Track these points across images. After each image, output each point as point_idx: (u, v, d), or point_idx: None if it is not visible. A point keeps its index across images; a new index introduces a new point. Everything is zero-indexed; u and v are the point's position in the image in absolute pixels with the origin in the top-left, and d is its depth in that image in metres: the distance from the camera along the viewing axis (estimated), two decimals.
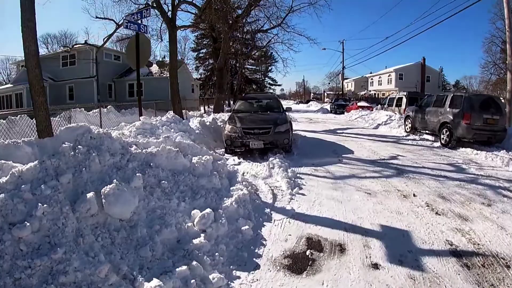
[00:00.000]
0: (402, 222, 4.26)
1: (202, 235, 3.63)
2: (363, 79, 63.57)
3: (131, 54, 9.56)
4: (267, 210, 4.64)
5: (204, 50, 51.52)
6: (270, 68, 75.60)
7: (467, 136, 10.15)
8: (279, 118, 9.00)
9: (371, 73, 61.82)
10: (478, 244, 3.68)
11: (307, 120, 22.59)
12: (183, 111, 18.84)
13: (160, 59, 36.62)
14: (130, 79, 32.48)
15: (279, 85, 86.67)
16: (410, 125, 13.85)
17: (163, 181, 4.29)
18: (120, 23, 16.58)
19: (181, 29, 17.76)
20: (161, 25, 17.83)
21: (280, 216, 4.50)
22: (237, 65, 35.57)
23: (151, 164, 4.52)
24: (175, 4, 15.35)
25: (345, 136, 13.40)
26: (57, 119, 13.87)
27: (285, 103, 68.15)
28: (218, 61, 19.19)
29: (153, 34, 18.18)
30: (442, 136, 10.99)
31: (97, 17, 17.22)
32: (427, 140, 12.18)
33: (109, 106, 20.38)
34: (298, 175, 6.58)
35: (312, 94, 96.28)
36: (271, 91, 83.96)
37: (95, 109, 19.38)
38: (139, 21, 9.73)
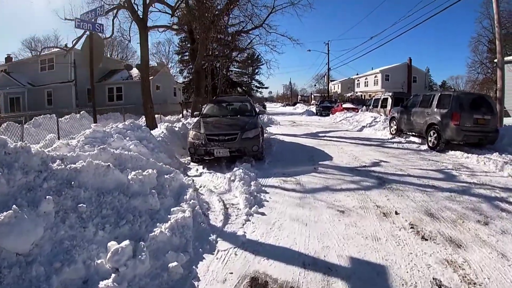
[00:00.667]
0: (379, 252, 3.33)
1: (113, 275, 2.72)
2: (349, 81, 63.25)
3: (85, 55, 8.77)
4: (212, 237, 3.69)
5: (188, 53, 50.73)
6: (256, 71, 75.26)
7: (456, 138, 9.35)
8: (248, 123, 8.08)
9: (357, 74, 61.54)
10: (475, 283, 2.79)
11: (290, 123, 21.65)
12: (157, 115, 17.92)
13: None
14: (110, 83, 31.56)
15: (266, 87, 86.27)
16: (395, 127, 13.05)
17: (82, 204, 3.39)
18: None
19: (153, 29, 16.80)
20: (130, 25, 16.85)
21: (226, 245, 3.56)
22: (219, 67, 34.74)
23: (73, 182, 3.62)
24: (146, 3, 14.43)
25: (327, 140, 12.54)
26: (26, 126, 13.13)
27: (272, 106, 67.81)
28: (195, 63, 18.30)
29: (121, 35, 17.17)
30: (429, 139, 10.17)
31: (66, 19, 16.13)
32: (414, 142, 11.37)
33: (82, 112, 19.54)
34: (263, 188, 5.64)
35: (299, 96, 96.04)
36: (258, 94, 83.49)
37: (75, 114, 18.49)
38: (94, 20, 8.95)
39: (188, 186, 5.34)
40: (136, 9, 14.40)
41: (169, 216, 3.85)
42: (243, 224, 4.11)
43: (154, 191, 4.21)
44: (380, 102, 18.95)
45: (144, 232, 3.47)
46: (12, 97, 30.00)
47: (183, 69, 55.28)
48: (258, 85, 77.03)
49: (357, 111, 23.77)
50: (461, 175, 6.62)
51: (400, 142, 11.55)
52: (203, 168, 7.44)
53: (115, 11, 15.69)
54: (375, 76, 53.41)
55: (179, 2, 15.65)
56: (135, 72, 32.28)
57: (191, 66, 50.56)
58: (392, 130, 13.28)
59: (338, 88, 67.17)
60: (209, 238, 3.68)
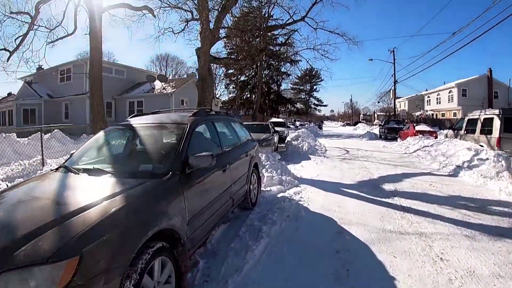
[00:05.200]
0: None
1: None
2: (418, 98, 54.95)
3: None
4: None
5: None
6: (315, 87, 70.41)
7: None
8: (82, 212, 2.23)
9: (426, 90, 53.13)
10: None
11: (341, 154, 14.89)
12: None
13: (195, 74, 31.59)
14: (131, 97, 27.61)
15: (325, 105, 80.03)
16: None
17: None
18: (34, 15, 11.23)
19: (108, 10, 11.85)
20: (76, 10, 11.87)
21: None
22: (256, 76, 29.49)
23: None
24: None
25: (400, 207, 6.12)
26: None
27: (331, 125, 60.51)
28: (199, 66, 12.91)
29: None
30: None
31: (11, 13, 11.93)
32: None
33: (55, 131, 15.10)
34: None
35: (361, 115, 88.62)
36: (317, 112, 77.16)
37: (44, 133, 14.24)
38: None
39: None
40: None
41: None
42: None
43: None
44: (479, 124, 11.81)
45: None
46: (27, 109, 27.21)
47: (229, 84, 50.80)
48: (316, 102, 72.31)
49: (436, 136, 17.01)
50: None
51: None
52: None
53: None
54: (450, 91, 45.06)
55: None
56: (158, 84, 28.06)
57: (235, 79, 45.99)
58: None
59: (405, 106, 58.96)
60: None
